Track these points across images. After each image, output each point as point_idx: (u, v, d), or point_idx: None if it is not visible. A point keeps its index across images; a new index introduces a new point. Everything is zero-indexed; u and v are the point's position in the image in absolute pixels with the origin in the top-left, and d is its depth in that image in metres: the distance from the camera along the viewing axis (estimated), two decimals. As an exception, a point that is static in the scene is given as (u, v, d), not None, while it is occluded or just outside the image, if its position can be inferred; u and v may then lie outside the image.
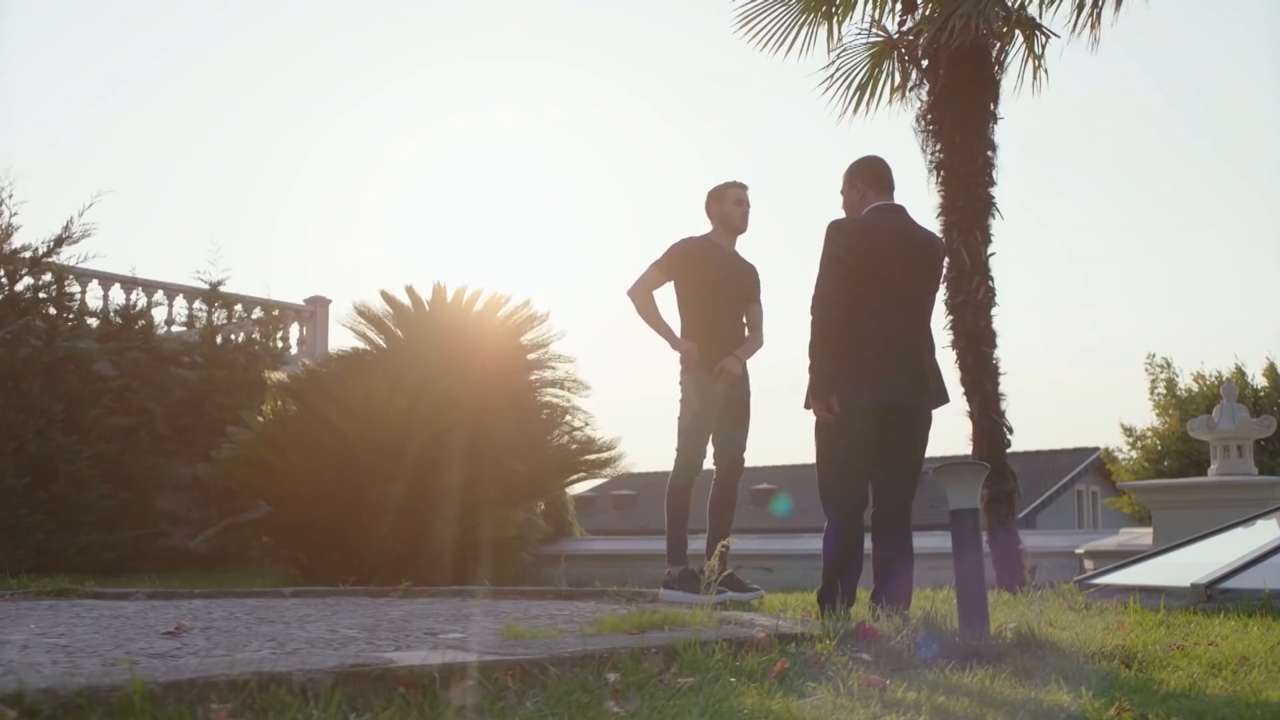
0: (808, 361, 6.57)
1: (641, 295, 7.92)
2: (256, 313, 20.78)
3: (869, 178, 6.81)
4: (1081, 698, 3.97)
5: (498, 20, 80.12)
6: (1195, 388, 36.49)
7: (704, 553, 7.70)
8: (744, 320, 8.03)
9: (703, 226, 8.21)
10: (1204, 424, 13.30)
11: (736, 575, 7.90)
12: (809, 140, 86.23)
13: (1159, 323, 67.54)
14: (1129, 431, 37.28)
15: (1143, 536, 13.19)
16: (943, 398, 6.72)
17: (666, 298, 8.10)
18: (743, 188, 8.07)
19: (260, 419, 14.63)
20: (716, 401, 7.77)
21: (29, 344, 17.16)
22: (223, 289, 19.81)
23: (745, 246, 8.25)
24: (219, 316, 19.99)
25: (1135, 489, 13.75)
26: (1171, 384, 37.17)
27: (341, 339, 32.02)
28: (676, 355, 7.88)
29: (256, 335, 20.45)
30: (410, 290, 14.78)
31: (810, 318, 6.55)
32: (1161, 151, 76.04)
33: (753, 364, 8.06)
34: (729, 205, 8.05)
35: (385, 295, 14.80)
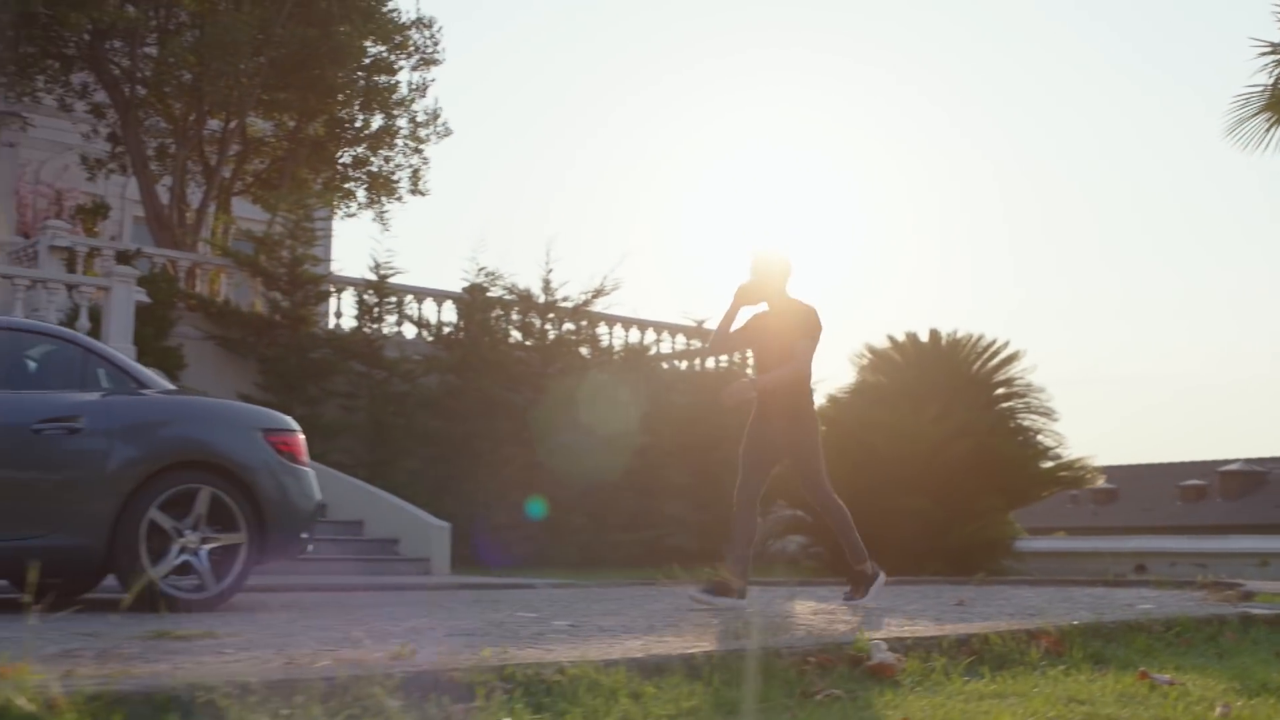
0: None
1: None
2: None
3: None
4: None
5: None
6: None
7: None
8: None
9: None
10: None
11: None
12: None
13: None
14: None
15: None
16: None
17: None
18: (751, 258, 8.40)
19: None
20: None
21: (571, 379, 21.07)
22: (705, 326, 23.46)
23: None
24: (698, 346, 23.71)
25: None
26: None
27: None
28: None
29: (726, 363, 24.10)
30: (911, 335, 18.10)
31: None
32: None
33: None
34: None
35: (890, 339, 18.17)
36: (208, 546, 8.14)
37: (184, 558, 8.06)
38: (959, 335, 18.20)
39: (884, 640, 4.81)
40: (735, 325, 8.40)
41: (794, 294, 8.35)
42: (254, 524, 8.25)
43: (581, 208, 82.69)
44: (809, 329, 8.18)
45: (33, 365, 8.49)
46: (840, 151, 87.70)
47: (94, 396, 8.16)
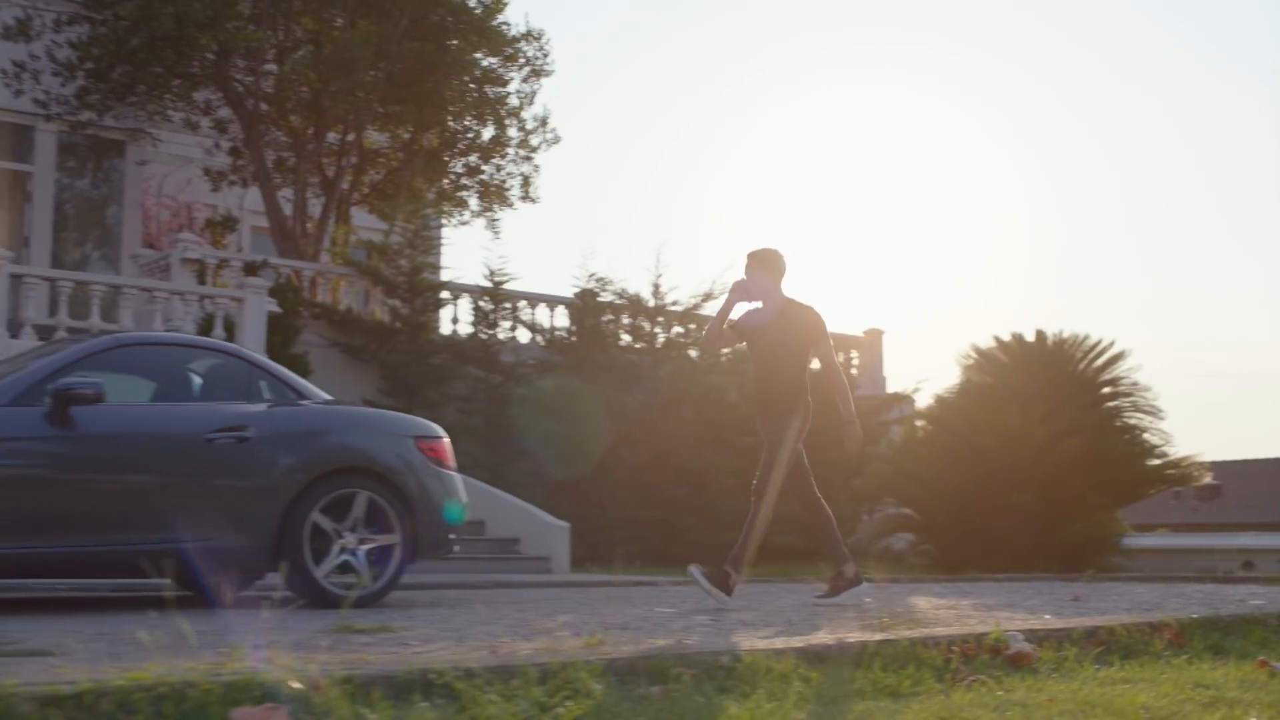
0: None
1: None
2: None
3: None
4: None
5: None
6: None
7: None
8: (795, 369, 8.73)
9: None
10: None
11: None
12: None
13: None
14: None
15: None
16: None
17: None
18: (747, 258, 8.83)
19: (896, 441, 18.51)
20: None
21: (680, 381, 21.56)
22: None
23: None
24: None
25: None
26: None
27: (899, 367, 35.88)
28: None
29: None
30: (1017, 336, 18.43)
31: None
32: None
33: None
34: None
35: (997, 339, 18.51)
36: (365, 547, 8.69)
37: (344, 557, 8.62)
38: (1065, 335, 18.50)
39: (1020, 632, 5.26)
40: (733, 319, 8.90)
41: (789, 292, 8.78)
42: (407, 525, 8.81)
43: (677, 204, 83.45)
44: (822, 333, 8.73)
45: (203, 378, 9.12)
46: (928, 147, 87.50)
47: (260, 407, 8.76)
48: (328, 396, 9.56)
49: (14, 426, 7.96)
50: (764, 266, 8.70)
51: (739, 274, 8.81)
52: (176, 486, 8.36)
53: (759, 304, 8.79)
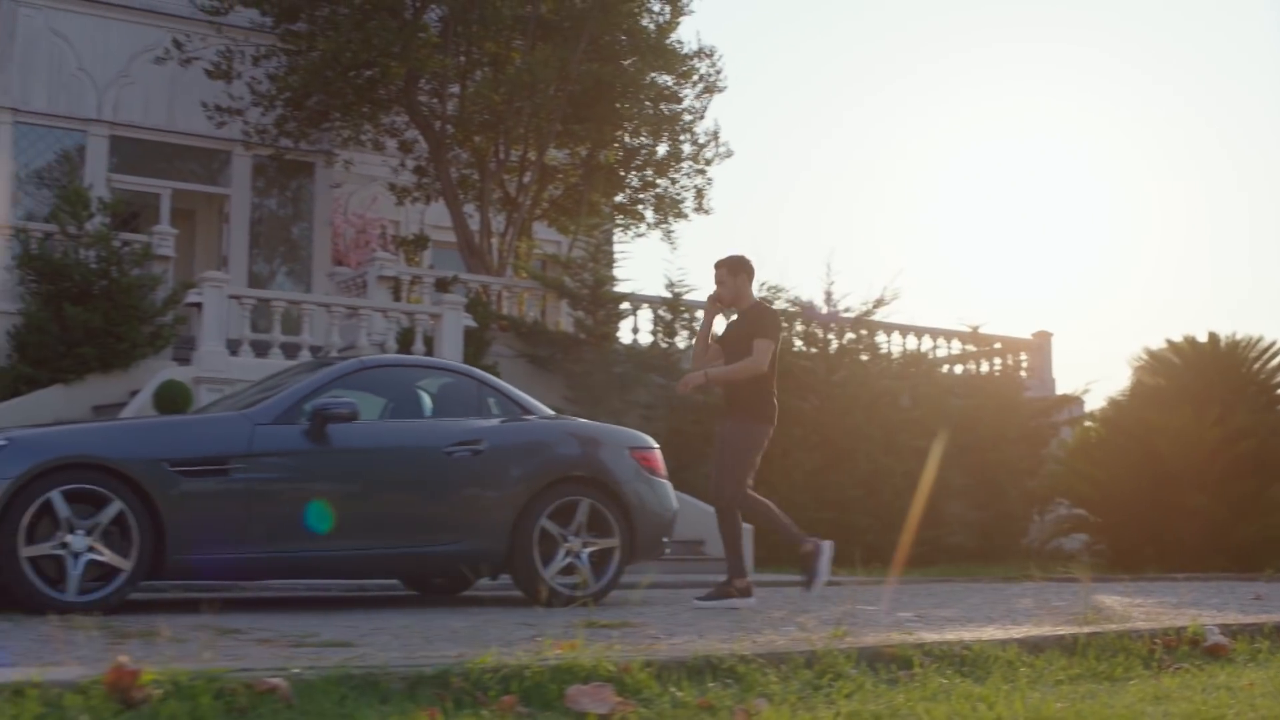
0: None
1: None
2: (997, 346, 25.19)
3: None
4: None
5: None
6: None
7: None
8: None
9: None
10: None
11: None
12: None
13: None
14: None
15: None
16: None
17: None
18: (716, 268, 9.35)
19: (1068, 443, 18.89)
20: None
21: (853, 386, 22.15)
22: (980, 330, 24.30)
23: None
24: (969, 350, 24.57)
25: None
26: None
27: (1067, 368, 36.21)
28: None
29: (999, 366, 24.90)
30: (1189, 338, 18.71)
31: None
32: None
33: None
34: None
35: (1169, 341, 18.80)
36: (588, 550, 9.48)
37: (568, 559, 9.42)
38: (1237, 337, 18.71)
39: (1215, 625, 5.85)
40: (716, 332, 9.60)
41: (757, 297, 9.44)
42: (624, 530, 9.59)
43: (836, 206, 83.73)
44: (768, 329, 9.16)
45: (436, 396, 10.01)
46: (1081, 143, 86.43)
47: (492, 422, 9.60)
48: (550, 411, 10.39)
49: (278, 442, 8.87)
50: (734, 273, 9.24)
51: (714, 287, 9.41)
52: (422, 496, 9.23)
53: (734, 313, 9.46)
